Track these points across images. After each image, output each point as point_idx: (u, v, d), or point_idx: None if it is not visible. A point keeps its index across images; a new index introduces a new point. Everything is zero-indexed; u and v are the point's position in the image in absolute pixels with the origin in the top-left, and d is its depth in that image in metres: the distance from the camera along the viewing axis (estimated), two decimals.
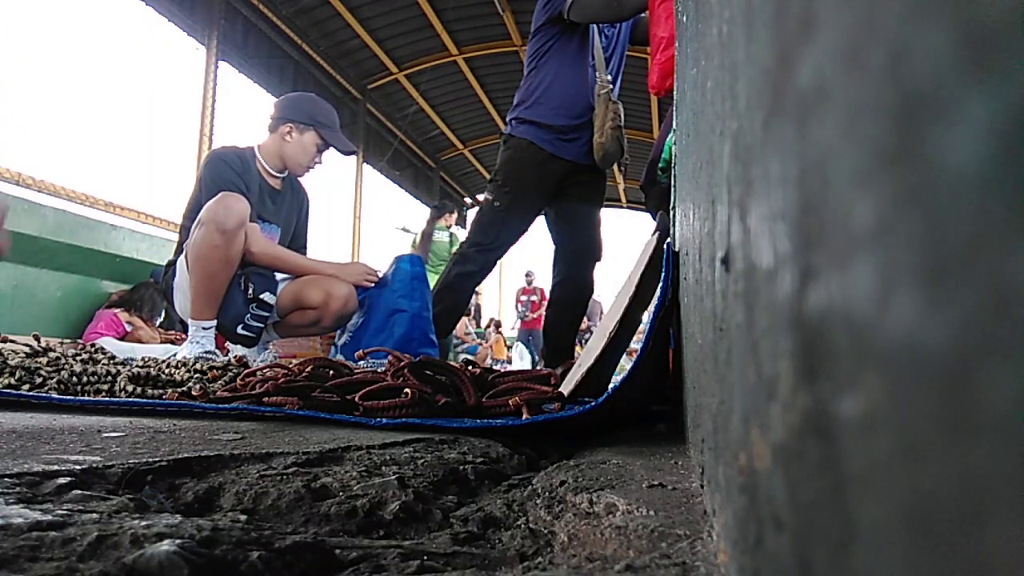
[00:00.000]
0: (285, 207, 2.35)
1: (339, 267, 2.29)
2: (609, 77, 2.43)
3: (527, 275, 10.27)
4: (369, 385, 1.07)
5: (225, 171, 2.11)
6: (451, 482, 0.64)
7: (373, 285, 2.32)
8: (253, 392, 1.10)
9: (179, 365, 1.45)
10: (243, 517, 0.46)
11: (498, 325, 10.73)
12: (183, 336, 2.42)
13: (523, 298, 10.14)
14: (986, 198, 0.11)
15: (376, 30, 5.89)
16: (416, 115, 7.33)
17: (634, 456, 0.74)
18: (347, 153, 2.42)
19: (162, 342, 3.45)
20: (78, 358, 1.43)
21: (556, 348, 2.58)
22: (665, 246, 1.02)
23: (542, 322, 2.94)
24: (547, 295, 2.73)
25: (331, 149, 2.38)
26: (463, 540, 0.48)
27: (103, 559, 0.33)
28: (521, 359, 9.33)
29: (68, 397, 1.18)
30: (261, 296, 2.13)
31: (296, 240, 2.43)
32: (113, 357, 1.50)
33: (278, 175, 2.32)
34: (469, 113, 7.78)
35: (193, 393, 1.20)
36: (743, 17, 0.32)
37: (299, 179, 2.44)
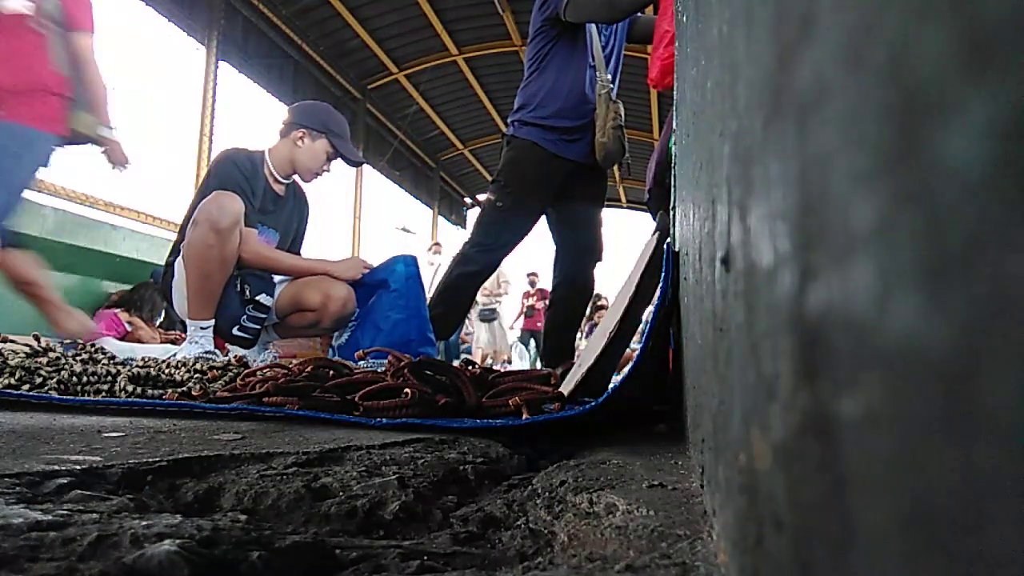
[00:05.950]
0: (286, 213, 2.36)
1: (333, 265, 2.28)
2: (609, 76, 2.43)
3: (530, 275, 10.10)
4: (369, 385, 1.07)
5: (234, 173, 2.11)
6: (451, 482, 0.64)
7: (367, 273, 2.32)
8: (253, 392, 1.10)
9: (179, 365, 1.45)
10: (243, 517, 0.46)
11: None
12: (183, 336, 2.42)
13: (526, 302, 9.97)
14: (986, 198, 0.11)
15: (376, 30, 5.89)
16: (416, 115, 7.33)
17: (634, 456, 0.74)
18: (355, 164, 2.43)
19: (162, 342, 3.46)
20: (78, 358, 1.43)
21: (556, 348, 2.58)
22: (665, 246, 1.02)
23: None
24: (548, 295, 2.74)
25: (339, 159, 2.39)
26: (463, 540, 0.48)
27: (103, 559, 0.33)
28: (521, 359, 9.32)
29: (68, 397, 1.18)
30: (257, 298, 2.13)
31: (293, 246, 2.44)
32: (113, 357, 1.50)
33: (283, 180, 2.33)
34: (469, 113, 7.77)
35: (193, 393, 1.20)
36: (743, 17, 0.32)
37: (301, 186, 2.44)
